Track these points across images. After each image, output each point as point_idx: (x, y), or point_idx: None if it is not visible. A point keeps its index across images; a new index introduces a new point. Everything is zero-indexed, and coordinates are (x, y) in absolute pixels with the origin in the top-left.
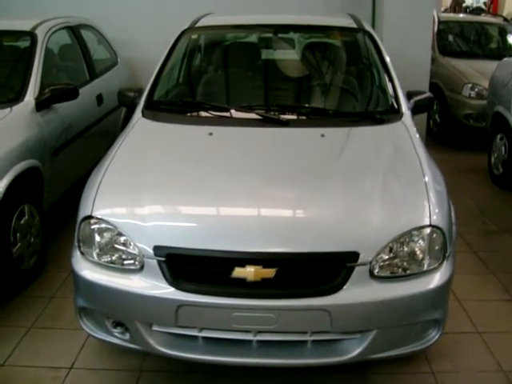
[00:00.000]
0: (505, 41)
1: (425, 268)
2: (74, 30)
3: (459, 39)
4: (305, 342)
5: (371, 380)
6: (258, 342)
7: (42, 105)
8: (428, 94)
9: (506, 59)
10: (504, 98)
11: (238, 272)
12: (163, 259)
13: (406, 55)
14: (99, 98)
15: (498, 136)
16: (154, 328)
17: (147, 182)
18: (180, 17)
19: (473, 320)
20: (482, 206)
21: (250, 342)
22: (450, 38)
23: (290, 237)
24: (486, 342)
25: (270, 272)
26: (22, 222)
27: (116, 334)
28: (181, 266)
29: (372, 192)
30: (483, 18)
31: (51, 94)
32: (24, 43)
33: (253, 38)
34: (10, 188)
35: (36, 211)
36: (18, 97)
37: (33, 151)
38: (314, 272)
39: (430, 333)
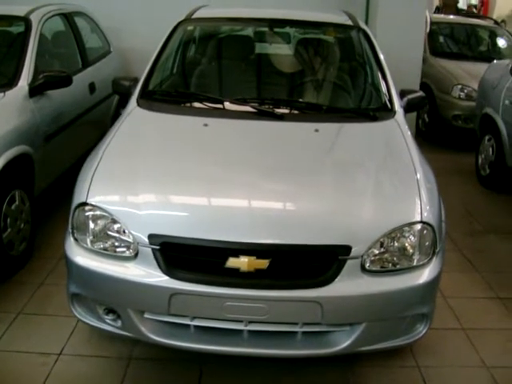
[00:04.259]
0: (495, 43)
1: (414, 263)
2: (68, 17)
3: (450, 40)
4: (295, 333)
5: (358, 372)
6: (249, 331)
7: (35, 91)
8: (420, 93)
9: (495, 62)
10: (493, 100)
11: (232, 262)
12: (158, 247)
13: (398, 54)
14: (91, 87)
15: (486, 137)
16: (146, 315)
17: (143, 170)
18: (174, 8)
19: (458, 317)
20: (468, 206)
21: (241, 331)
22: (441, 39)
23: (284, 229)
24: (471, 338)
25: (263, 263)
26: (12, 207)
27: (108, 321)
28: (175, 254)
29: (365, 187)
30: (474, 20)
31: (45, 80)
32: (18, 28)
33: (248, 31)
34: (1, 173)
35: (26, 197)
36: (12, 82)
37: (25, 137)
38: (306, 264)
39: (417, 327)
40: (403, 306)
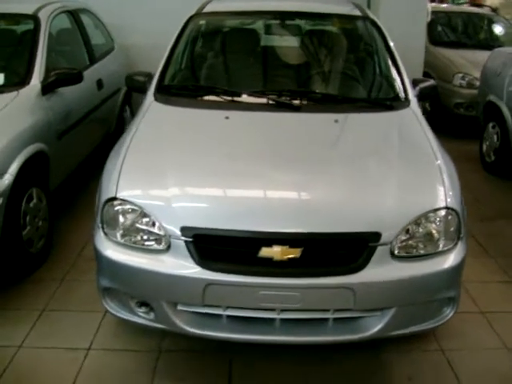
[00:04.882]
0: (492, 31)
1: (440, 249)
2: (74, 14)
3: (449, 29)
4: (326, 319)
5: (384, 358)
6: (281, 320)
7: (47, 88)
8: (432, 82)
9: (497, 49)
10: (497, 88)
11: (265, 252)
12: (190, 240)
13: (401, 44)
14: (99, 83)
15: (490, 124)
16: (179, 307)
17: (170, 163)
18: (175, 3)
19: (475, 300)
20: (475, 193)
21: (272, 320)
22: (441, 28)
23: (315, 218)
24: (490, 321)
25: (296, 251)
26: (30, 205)
27: (140, 314)
28: (208, 246)
29: (390, 175)
30: (472, 8)
31: (57, 77)
32: (25, 27)
33: (259, 24)
34: (20, 172)
35: (43, 195)
36: (24, 80)
37: (40, 135)
38: (338, 251)
39: (444, 310)
40: (431, 290)
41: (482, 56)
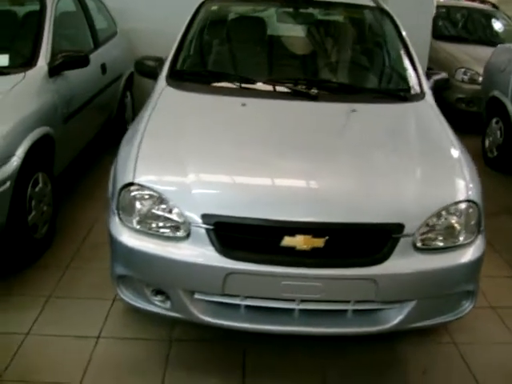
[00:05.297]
0: (494, 26)
1: (461, 242)
2: None
3: (451, 24)
4: (345, 311)
5: (399, 350)
6: (300, 310)
7: (54, 71)
8: (444, 75)
9: (500, 45)
10: (501, 83)
11: (288, 241)
12: (211, 227)
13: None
14: (103, 68)
15: (494, 120)
16: (196, 296)
17: (188, 149)
18: None
19: (485, 295)
20: None
21: (291, 310)
22: (443, 22)
23: (339, 207)
24: (501, 316)
25: (319, 241)
26: (36, 189)
27: (156, 303)
28: (230, 234)
29: (412, 167)
30: (474, 4)
31: (63, 60)
32: (30, 7)
33: (271, 11)
34: (27, 155)
35: (48, 179)
36: (31, 61)
37: (46, 118)
38: (361, 242)
39: (463, 303)
40: (452, 283)
41: (483, 51)
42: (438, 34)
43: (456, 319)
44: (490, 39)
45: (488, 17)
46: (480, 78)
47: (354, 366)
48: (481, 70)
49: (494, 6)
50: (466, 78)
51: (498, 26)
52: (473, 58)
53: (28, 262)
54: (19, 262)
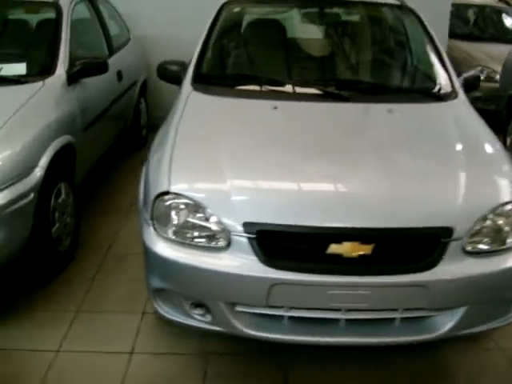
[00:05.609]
0: (508, 24)
1: (509, 245)
2: (93, 3)
3: (464, 22)
4: (393, 319)
5: (445, 356)
6: (346, 320)
7: (72, 78)
8: (475, 73)
9: None
10: None
11: (334, 248)
12: (254, 236)
13: None
14: (119, 74)
15: None
16: (238, 308)
17: (224, 155)
18: None
19: None
20: None
21: (335, 320)
22: (455, 20)
23: (386, 213)
24: None
25: (367, 248)
26: (59, 200)
27: (196, 317)
28: (273, 242)
29: (457, 168)
30: (487, 1)
31: (82, 67)
32: (45, 15)
33: (294, 11)
34: (49, 166)
35: (70, 190)
36: (49, 69)
37: (67, 126)
38: (409, 248)
39: None
40: (503, 287)
41: (498, 49)
42: (452, 33)
43: (505, 325)
44: (506, 36)
45: (499, 13)
46: (497, 76)
47: (402, 376)
48: (497, 68)
49: (506, 3)
50: (482, 76)
51: (509, 22)
52: (489, 56)
53: (52, 276)
54: (43, 276)
